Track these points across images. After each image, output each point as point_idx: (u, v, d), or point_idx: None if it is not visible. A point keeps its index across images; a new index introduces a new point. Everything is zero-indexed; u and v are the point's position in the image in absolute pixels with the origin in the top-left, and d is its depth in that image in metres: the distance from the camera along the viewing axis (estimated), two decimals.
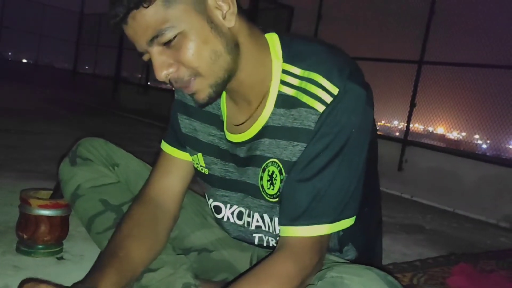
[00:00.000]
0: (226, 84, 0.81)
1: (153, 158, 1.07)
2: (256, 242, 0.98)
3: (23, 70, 11.77)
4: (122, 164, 1.12)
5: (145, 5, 0.72)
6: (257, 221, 0.94)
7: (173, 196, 0.99)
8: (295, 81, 0.82)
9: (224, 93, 0.92)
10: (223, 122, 0.93)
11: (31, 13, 12.21)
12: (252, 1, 5.91)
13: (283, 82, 0.83)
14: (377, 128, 0.91)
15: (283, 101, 0.83)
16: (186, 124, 0.99)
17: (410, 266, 1.84)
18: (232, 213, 0.98)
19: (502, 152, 3.67)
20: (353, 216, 0.83)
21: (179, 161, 1.01)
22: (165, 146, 1.02)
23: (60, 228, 1.36)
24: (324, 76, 0.79)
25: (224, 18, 0.77)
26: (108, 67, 9.36)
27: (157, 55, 0.76)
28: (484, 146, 4.13)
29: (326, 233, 0.80)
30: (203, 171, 0.99)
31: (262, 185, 0.88)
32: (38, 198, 1.34)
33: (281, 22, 5.87)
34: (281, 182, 0.85)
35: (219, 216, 1.01)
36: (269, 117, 0.85)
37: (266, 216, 0.92)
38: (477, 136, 4.20)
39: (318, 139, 0.79)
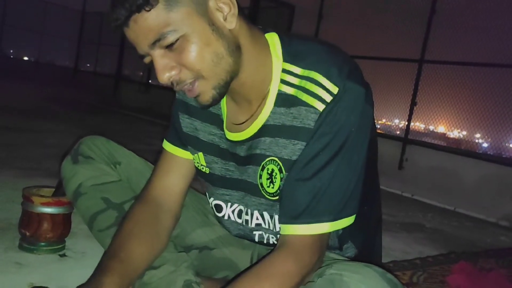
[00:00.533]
0: (228, 86, 0.81)
1: (155, 156, 1.08)
2: (256, 239, 0.99)
3: (24, 68, 11.78)
4: (124, 162, 1.13)
5: (147, 9, 0.72)
6: (257, 218, 0.95)
7: (175, 195, 1.00)
8: (295, 80, 0.83)
9: None
10: (223, 121, 0.94)
11: (32, 11, 12.22)
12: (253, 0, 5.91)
13: (283, 81, 0.84)
14: (377, 126, 0.92)
15: (283, 100, 0.84)
16: (187, 123, 1.00)
17: (410, 264, 1.85)
18: (233, 211, 0.99)
19: (503, 151, 3.67)
20: (353, 214, 0.83)
21: (180, 160, 1.01)
22: (166, 145, 1.03)
23: (62, 226, 1.37)
24: (324, 75, 0.79)
25: (225, 20, 0.78)
26: (109, 65, 9.37)
27: (159, 58, 0.77)
28: (485, 145, 4.14)
29: (327, 231, 0.80)
30: (204, 170, 0.99)
31: (261, 183, 0.89)
32: (41, 196, 1.35)
33: (282, 21, 5.87)
34: (281, 181, 0.85)
35: (220, 215, 1.02)
36: (269, 116, 0.85)
37: (266, 214, 0.93)
38: (478, 135, 4.20)
39: (317, 138, 0.79)
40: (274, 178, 0.86)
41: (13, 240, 1.38)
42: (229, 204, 0.99)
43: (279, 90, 0.84)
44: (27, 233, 1.33)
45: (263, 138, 0.86)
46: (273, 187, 0.87)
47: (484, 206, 3.34)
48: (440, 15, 3.95)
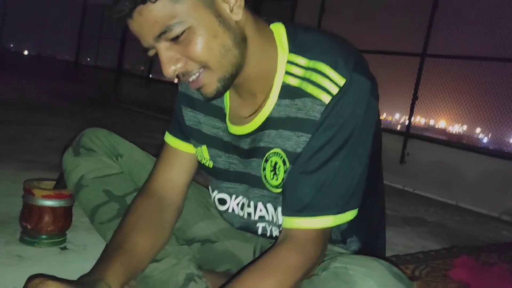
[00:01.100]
0: (234, 79, 0.80)
1: (156, 150, 1.07)
2: (259, 232, 0.98)
3: (25, 62, 11.77)
4: (125, 154, 1.12)
5: (152, 0, 0.71)
6: (261, 211, 0.94)
7: (177, 188, 0.99)
8: (300, 72, 0.81)
9: None
10: (226, 114, 0.93)
11: (33, 5, 12.19)
12: None
13: (288, 73, 0.83)
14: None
15: (288, 91, 0.82)
16: (190, 116, 0.98)
17: (412, 258, 1.85)
18: (237, 204, 0.98)
19: (504, 146, 3.66)
20: (356, 208, 0.83)
21: (183, 153, 1.00)
22: (169, 139, 1.02)
23: (63, 219, 1.36)
24: (330, 66, 0.78)
25: (231, 11, 0.76)
26: (110, 59, 9.35)
27: (165, 51, 0.75)
28: (486, 140, 4.13)
29: (330, 225, 0.80)
30: (207, 164, 0.98)
31: (265, 176, 0.88)
32: (42, 189, 1.34)
33: (284, 15, 5.85)
34: (284, 173, 0.84)
35: (224, 208, 1.01)
36: (273, 109, 0.84)
37: (270, 206, 0.92)
38: (478, 130, 4.19)
39: (323, 130, 0.78)
40: (278, 170, 0.85)
41: (14, 233, 1.38)
42: (233, 196, 0.98)
43: (283, 82, 0.83)
44: (28, 226, 1.33)
45: (267, 131, 0.85)
46: (276, 179, 0.86)
47: (486, 201, 3.33)
48: (442, 9, 3.93)
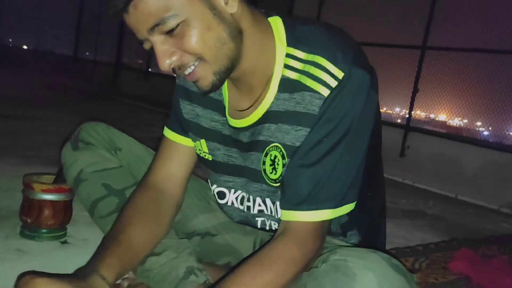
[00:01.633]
0: (230, 73, 0.80)
1: (155, 143, 1.06)
2: (258, 225, 0.98)
3: (23, 56, 11.72)
4: (124, 148, 1.12)
5: None
6: (259, 205, 0.94)
7: (176, 182, 0.99)
8: (298, 65, 0.81)
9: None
10: (225, 107, 0.93)
11: None
12: None
13: (286, 66, 0.82)
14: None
15: (286, 85, 0.82)
16: (188, 110, 0.98)
17: (412, 251, 1.85)
18: (236, 198, 0.98)
19: (504, 139, 3.65)
20: (354, 201, 0.83)
21: (182, 147, 1.00)
22: (167, 132, 1.01)
23: (63, 213, 1.36)
24: (328, 60, 0.78)
25: (226, 4, 0.76)
26: (109, 53, 9.31)
27: (160, 44, 0.74)
28: (486, 133, 4.12)
29: (329, 218, 0.80)
30: (206, 157, 0.98)
31: (264, 170, 0.88)
32: (41, 183, 1.34)
33: (283, 7, 5.81)
34: (283, 167, 0.84)
35: (223, 201, 1.01)
36: (272, 102, 0.84)
37: (268, 201, 0.92)
38: (479, 123, 4.19)
39: (321, 124, 0.78)
40: (277, 164, 0.85)
41: (14, 228, 1.38)
42: (232, 190, 0.98)
43: (282, 75, 0.82)
44: (28, 220, 1.33)
45: (266, 125, 0.85)
46: (275, 174, 0.86)
47: (486, 193, 3.33)
48: (442, 1, 3.91)
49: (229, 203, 1.00)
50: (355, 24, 4.57)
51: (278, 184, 0.87)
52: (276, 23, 0.84)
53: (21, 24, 12.59)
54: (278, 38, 0.83)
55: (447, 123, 4.48)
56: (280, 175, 0.85)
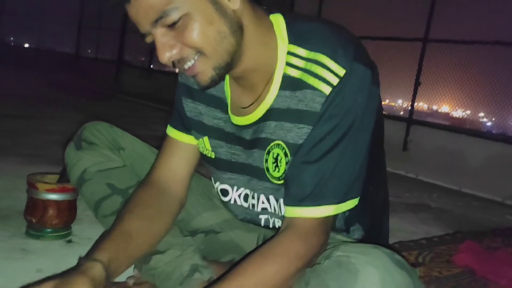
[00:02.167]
0: (229, 68, 0.80)
1: (158, 141, 1.07)
2: (262, 223, 0.99)
3: (25, 55, 11.73)
4: (127, 147, 1.12)
5: None
6: (263, 202, 0.95)
7: (179, 180, 0.99)
8: (300, 63, 0.81)
9: (227, 76, 0.91)
10: (227, 105, 0.93)
11: None
12: None
13: (288, 64, 0.82)
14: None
15: (288, 83, 0.82)
16: (191, 107, 0.98)
17: (416, 244, 1.85)
18: (239, 196, 0.98)
19: (508, 130, 3.64)
20: (357, 197, 0.83)
21: (184, 145, 1.00)
22: (170, 131, 1.02)
23: (68, 212, 1.37)
24: (329, 57, 0.78)
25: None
26: (111, 50, 9.31)
27: (160, 37, 0.75)
28: (489, 124, 4.11)
29: (332, 214, 0.80)
30: (209, 155, 0.98)
31: (267, 168, 0.88)
32: (45, 183, 1.35)
33: (284, 2, 5.80)
34: (286, 165, 0.84)
35: (226, 199, 1.01)
36: (274, 100, 0.84)
37: (272, 198, 0.92)
38: (482, 114, 4.17)
39: (324, 121, 0.78)
40: (280, 162, 0.86)
41: (19, 227, 1.39)
42: (235, 188, 0.98)
43: (284, 73, 0.83)
44: (33, 220, 1.34)
45: (268, 122, 0.85)
46: (278, 171, 0.87)
47: (490, 186, 3.33)
48: None
49: (232, 201, 1.01)
50: (357, 18, 4.55)
51: (282, 181, 0.87)
52: (278, 20, 0.84)
53: (23, 23, 12.59)
54: (280, 35, 0.83)
55: (450, 115, 4.46)
56: (283, 173, 0.86)
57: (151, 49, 8.19)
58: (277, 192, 0.90)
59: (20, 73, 8.16)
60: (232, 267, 0.78)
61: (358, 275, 0.68)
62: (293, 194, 0.81)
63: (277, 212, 0.94)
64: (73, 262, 1.20)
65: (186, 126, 1.00)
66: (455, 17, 3.88)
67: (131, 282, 1.08)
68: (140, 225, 0.90)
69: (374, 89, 0.81)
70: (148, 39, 0.77)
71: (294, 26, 0.83)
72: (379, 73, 0.83)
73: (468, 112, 4.28)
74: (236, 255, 1.14)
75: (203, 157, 1.01)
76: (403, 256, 0.75)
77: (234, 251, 1.14)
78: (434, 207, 2.73)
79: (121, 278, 1.04)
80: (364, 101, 0.79)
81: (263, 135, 0.87)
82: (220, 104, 0.94)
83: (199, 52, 0.76)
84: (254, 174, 0.92)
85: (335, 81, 0.77)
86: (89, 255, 0.79)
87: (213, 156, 0.98)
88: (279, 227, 0.94)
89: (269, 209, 0.94)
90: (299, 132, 0.82)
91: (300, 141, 0.82)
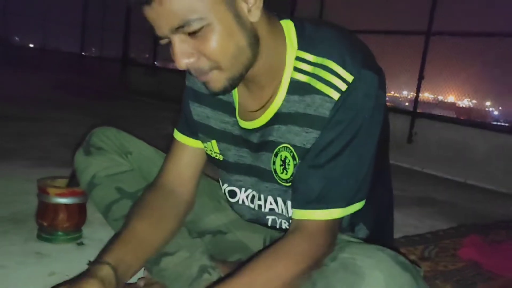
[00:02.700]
0: (242, 78, 0.81)
1: (165, 140, 1.09)
2: (269, 224, 1.01)
3: (31, 55, 11.77)
4: (135, 152, 1.14)
5: None
6: (271, 203, 0.96)
7: (187, 183, 1.01)
8: (308, 68, 0.83)
9: None
10: (235, 108, 0.95)
11: None
12: None
13: (296, 69, 0.84)
14: (386, 99, 0.92)
15: (296, 87, 0.84)
16: (198, 111, 1.00)
17: (421, 238, 1.87)
18: (247, 197, 1.00)
19: None
20: (364, 199, 0.85)
21: (191, 149, 1.02)
22: (177, 135, 1.04)
23: (78, 215, 1.40)
24: (337, 63, 0.79)
25: (249, 11, 0.76)
26: (115, 48, 9.32)
27: (179, 43, 0.75)
28: (496, 113, 4.10)
29: (339, 216, 0.82)
30: (217, 158, 1.00)
31: (275, 170, 0.90)
32: (56, 187, 1.38)
33: None
34: (294, 167, 0.86)
35: (234, 200, 1.03)
36: (282, 104, 0.86)
37: (279, 200, 0.94)
38: (488, 103, 4.17)
39: (332, 126, 0.80)
40: (287, 165, 0.87)
41: (32, 231, 1.42)
42: (243, 189, 1.00)
43: (292, 78, 0.84)
44: (45, 224, 1.37)
45: (276, 126, 0.87)
46: (286, 174, 0.89)
47: (495, 178, 3.33)
48: None
49: (240, 202, 1.03)
50: (359, 12, 4.54)
51: (289, 184, 0.89)
52: (288, 26, 0.85)
53: (27, 23, 12.62)
54: (289, 41, 0.84)
55: (456, 105, 4.46)
56: (291, 175, 0.87)
57: (155, 46, 8.20)
58: (285, 193, 0.92)
59: (26, 74, 8.21)
60: (239, 266, 0.80)
61: (364, 278, 0.70)
62: (301, 197, 0.83)
63: (284, 214, 0.96)
64: (85, 265, 1.24)
65: (193, 130, 1.02)
66: (458, 8, 3.86)
67: (142, 283, 1.11)
68: (148, 227, 0.92)
69: (381, 93, 0.82)
70: (163, 42, 0.77)
71: (303, 32, 0.85)
72: (384, 65, 0.84)
73: (474, 101, 4.27)
74: (243, 255, 1.16)
75: (211, 159, 1.03)
76: (406, 256, 0.77)
77: (241, 251, 1.16)
78: (439, 200, 2.74)
79: (132, 280, 1.07)
80: (371, 106, 0.80)
81: (271, 138, 0.89)
82: (228, 108, 0.95)
83: (216, 65, 0.77)
84: (262, 176, 0.94)
85: (343, 87, 0.79)
86: (98, 259, 0.82)
87: (221, 159, 1.00)
88: (286, 229, 0.97)
89: (276, 210, 0.97)
90: (307, 137, 0.83)
91: (308, 145, 0.83)
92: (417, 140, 3.89)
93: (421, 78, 3.97)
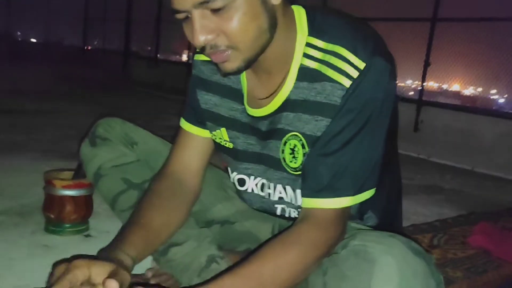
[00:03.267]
0: (255, 61, 0.79)
1: (169, 131, 1.08)
2: (278, 213, 1.00)
3: (33, 50, 11.79)
4: (140, 142, 1.14)
5: None
6: (280, 192, 0.95)
7: (194, 172, 1.00)
8: (318, 54, 0.81)
9: None
10: (243, 96, 0.93)
11: None
12: None
13: (306, 55, 0.82)
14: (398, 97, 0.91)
15: (305, 74, 0.82)
16: (206, 99, 0.99)
17: (430, 227, 1.86)
18: (256, 185, 0.99)
19: None
20: (373, 187, 0.84)
21: (198, 138, 1.01)
22: (183, 124, 1.03)
23: (85, 207, 1.39)
24: (349, 50, 0.78)
25: None
26: (118, 41, 9.31)
27: (200, 19, 0.72)
28: (502, 100, 4.07)
29: (349, 205, 0.81)
30: (227, 146, 0.99)
31: (284, 158, 0.89)
32: (62, 179, 1.37)
33: None
34: (303, 156, 0.85)
35: (243, 188, 1.02)
36: (291, 91, 0.84)
37: (288, 188, 0.93)
38: (494, 91, 4.13)
39: (343, 114, 0.79)
40: (297, 153, 0.86)
41: (39, 223, 1.42)
42: (252, 177, 0.99)
43: (301, 64, 0.83)
44: (52, 216, 1.36)
45: (285, 113, 0.86)
46: (295, 162, 0.87)
47: (503, 164, 3.31)
48: None
49: (249, 190, 1.01)
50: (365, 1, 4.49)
51: (299, 172, 0.88)
52: (300, 12, 0.84)
53: (29, 17, 12.63)
54: (300, 26, 0.83)
55: (461, 93, 4.42)
56: (301, 164, 0.86)
57: (158, 38, 8.18)
58: (294, 182, 0.91)
59: (30, 68, 8.21)
60: (248, 254, 0.79)
61: (375, 264, 0.69)
62: (310, 186, 0.82)
63: (293, 202, 0.94)
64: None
65: (200, 119, 1.01)
66: None
67: (150, 274, 1.11)
68: (158, 217, 0.91)
69: (392, 82, 0.81)
70: (180, 16, 0.74)
71: (315, 19, 0.83)
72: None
73: (480, 89, 4.24)
74: (252, 244, 1.15)
75: (220, 148, 1.01)
76: (418, 242, 0.76)
77: (249, 241, 1.15)
78: (447, 188, 2.73)
79: (140, 270, 1.06)
80: (382, 94, 0.79)
81: (279, 126, 0.87)
82: (236, 95, 0.94)
83: (234, 45, 0.75)
84: (271, 164, 0.93)
85: (355, 74, 0.77)
86: (118, 245, 0.80)
87: (231, 147, 0.98)
88: (295, 218, 0.96)
89: (285, 199, 0.95)
90: (318, 125, 0.82)
91: (318, 134, 0.82)
92: (423, 128, 3.87)
93: (426, 65, 3.93)
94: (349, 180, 0.80)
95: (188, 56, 7.61)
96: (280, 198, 0.96)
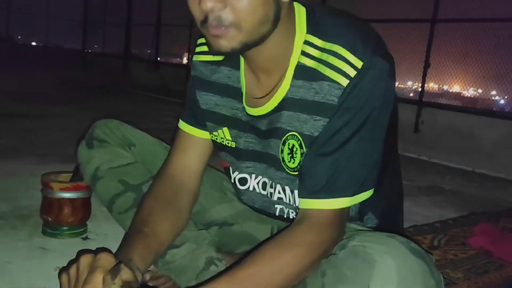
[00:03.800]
0: (251, 47, 0.78)
1: (168, 134, 1.07)
2: (277, 213, 0.99)
3: (34, 53, 11.80)
4: (138, 144, 1.13)
5: None
6: (279, 192, 0.95)
7: (193, 173, 1.00)
8: (315, 52, 0.80)
9: (243, 65, 0.90)
10: (242, 94, 0.92)
11: None
12: None
13: (303, 53, 0.82)
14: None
15: (302, 72, 0.82)
16: (206, 100, 0.98)
17: (430, 228, 1.85)
18: (258, 183, 0.98)
19: None
20: (371, 188, 0.83)
21: (197, 139, 1.00)
22: (182, 125, 1.02)
23: (82, 210, 1.39)
24: (347, 49, 0.77)
25: None
26: (117, 44, 9.32)
27: None
28: (502, 102, 4.06)
29: (346, 206, 0.80)
30: (229, 145, 0.98)
31: (283, 158, 0.88)
32: (60, 182, 1.37)
33: None
34: (301, 156, 0.84)
35: (245, 187, 1.01)
36: (288, 89, 0.84)
37: (287, 189, 0.92)
38: (494, 92, 4.12)
39: (340, 114, 0.78)
40: (295, 153, 0.86)
41: (37, 226, 1.41)
42: (253, 175, 0.98)
43: (298, 62, 0.82)
44: (49, 219, 1.36)
45: (283, 112, 0.85)
46: (293, 162, 0.87)
47: (504, 165, 3.29)
48: None
49: (251, 188, 1.00)
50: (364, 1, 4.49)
51: (297, 172, 0.87)
52: (299, 9, 0.84)
53: (29, 21, 12.65)
54: (299, 24, 0.83)
55: (462, 94, 4.42)
56: (298, 164, 0.86)
57: (157, 41, 8.18)
58: (292, 183, 0.90)
59: (30, 72, 8.21)
60: (246, 255, 0.78)
61: (375, 265, 0.68)
62: (308, 186, 0.81)
63: (291, 203, 0.94)
64: None
65: (199, 120, 1.00)
66: None
67: (148, 276, 1.09)
68: (161, 224, 0.90)
69: (391, 82, 0.80)
70: None
71: (314, 17, 0.83)
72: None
73: (480, 91, 4.23)
74: (250, 246, 1.14)
75: (222, 148, 1.00)
76: (418, 243, 0.75)
77: (248, 243, 1.14)
78: (447, 189, 2.71)
79: None
80: (381, 94, 0.78)
81: (278, 125, 0.87)
82: (236, 94, 0.93)
83: (237, 24, 0.73)
84: (272, 163, 0.92)
85: (353, 73, 0.77)
86: (127, 255, 0.79)
87: (233, 146, 0.97)
88: (293, 219, 0.95)
89: (284, 199, 0.95)
90: (315, 125, 0.81)
91: (316, 133, 0.81)
92: (424, 129, 3.86)
93: (426, 65, 3.93)
94: (347, 181, 0.79)
95: (188, 59, 7.62)
96: (279, 198, 0.95)
